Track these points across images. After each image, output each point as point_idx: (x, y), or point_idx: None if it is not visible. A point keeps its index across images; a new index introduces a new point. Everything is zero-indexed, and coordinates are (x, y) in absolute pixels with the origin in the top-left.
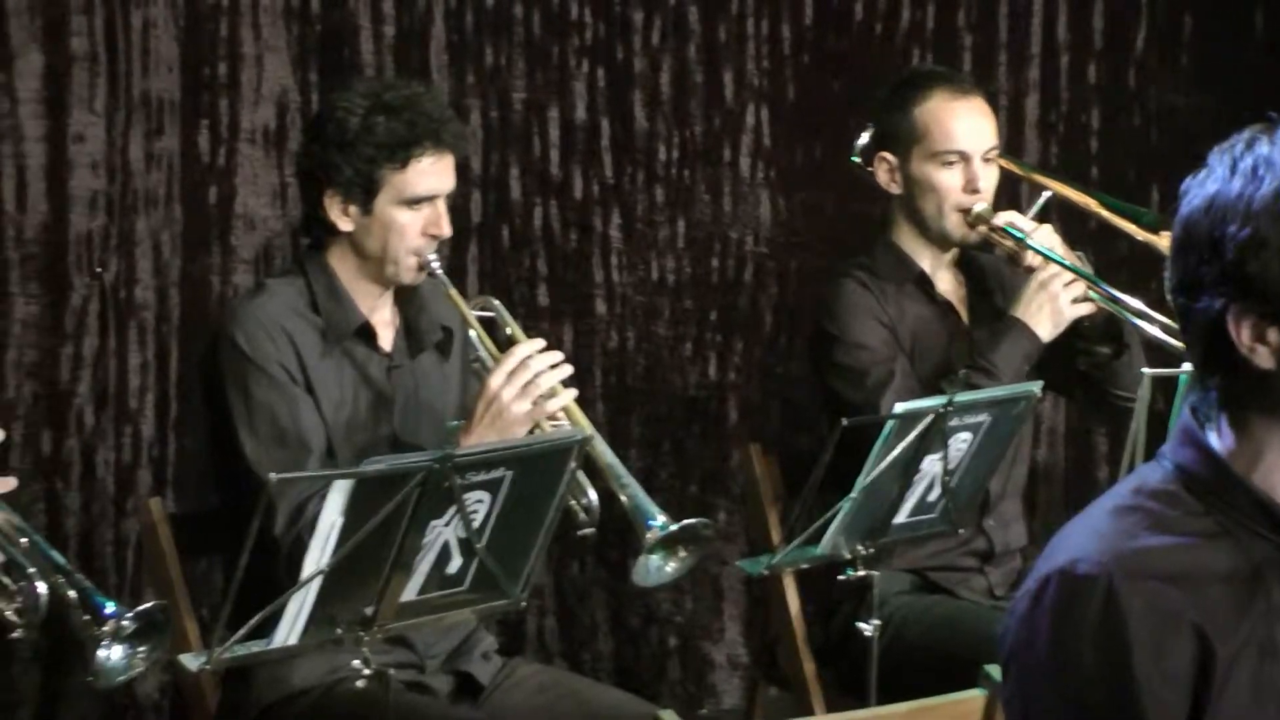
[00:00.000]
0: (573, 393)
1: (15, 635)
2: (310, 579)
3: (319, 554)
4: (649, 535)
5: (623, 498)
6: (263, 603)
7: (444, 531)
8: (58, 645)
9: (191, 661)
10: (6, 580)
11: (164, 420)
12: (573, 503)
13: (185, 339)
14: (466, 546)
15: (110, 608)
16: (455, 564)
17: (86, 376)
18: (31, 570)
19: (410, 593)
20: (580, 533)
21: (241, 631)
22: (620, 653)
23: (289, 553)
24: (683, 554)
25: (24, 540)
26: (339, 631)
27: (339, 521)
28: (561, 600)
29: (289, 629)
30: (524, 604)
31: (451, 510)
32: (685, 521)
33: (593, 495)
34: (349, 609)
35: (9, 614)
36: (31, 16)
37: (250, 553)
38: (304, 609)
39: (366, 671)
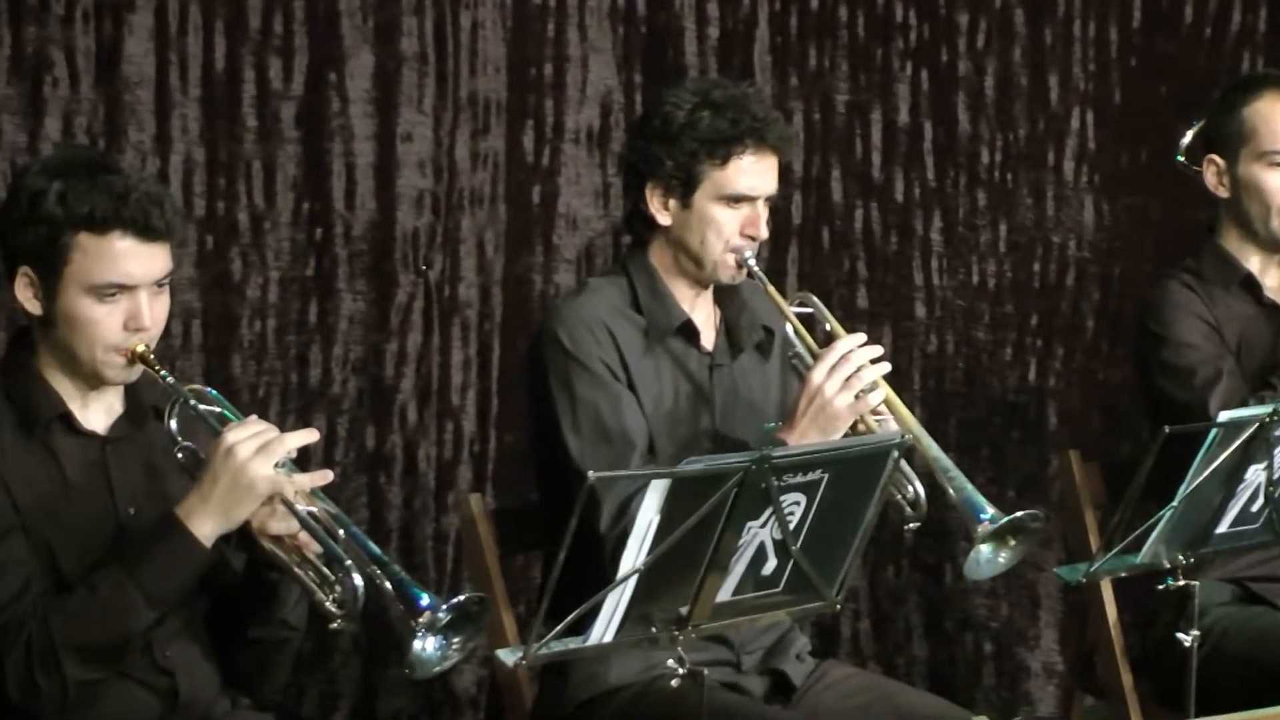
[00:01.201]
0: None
1: (334, 626)
2: (627, 577)
3: (635, 552)
4: (980, 528)
5: (950, 491)
6: (580, 599)
7: (760, 533)
8: (377, 637)
9: (508, 657)
10: (326, 571)
11: (485, 416)
12: (898, 496)
13: (507, 337)
14: (782, 548)
15: (425, 599)
16: (770, 565)
17: (410, 373)
18: (349, 562)
19: (725, 593)
20: (907, 526)
21: (558, 628)
22: (934, 657)
23: (614, 549)
24: (1013, 544)
25: (342, 532)
26: (654, 630)
27: (656, 520)
28: (876, 603)
29: (605, 626)
30: (839, 607)
31: (768, 511)
32: (1014, 514)
33: (919, 488)
34: (664, 608)
35: (328, 605)
36: (363, 17)
37: (568, 549)
38: (620, 607)
39: (681, 670)
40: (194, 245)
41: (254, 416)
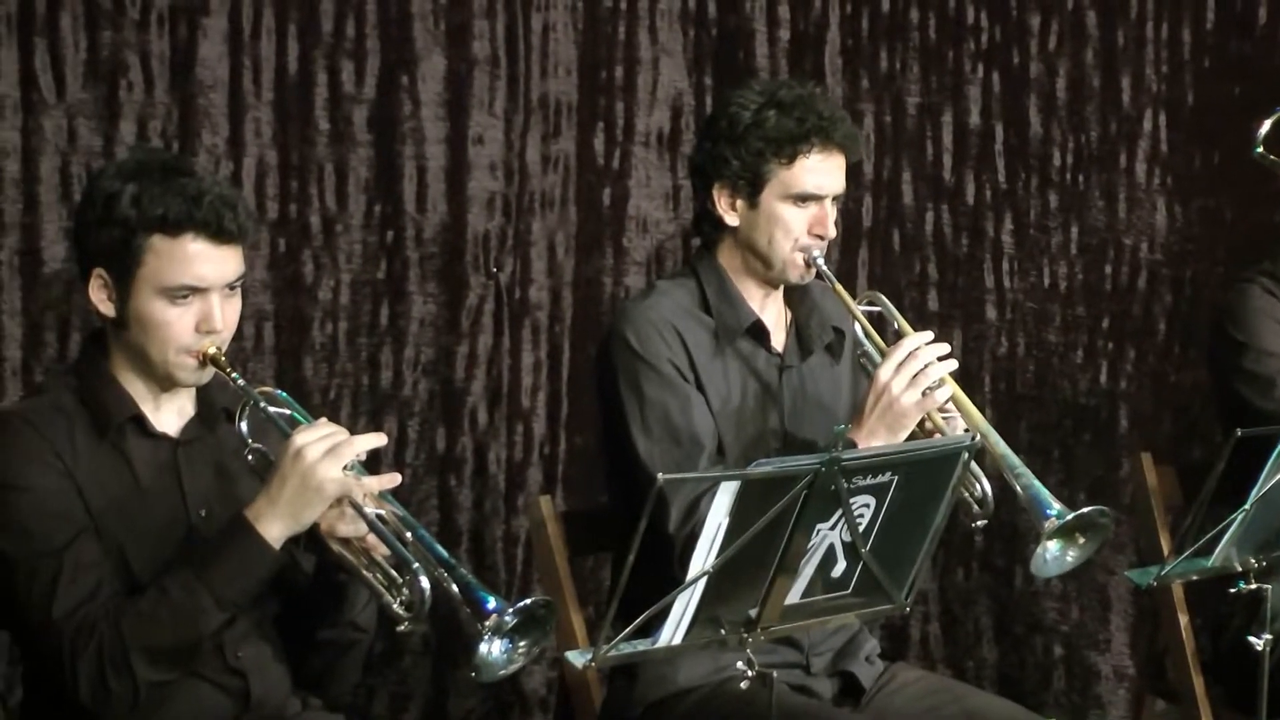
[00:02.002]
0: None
1: (401, 629)
2: (696, 579)
3: (705, 554)
4: (1046, 524)
5: (1018, 488)
6: (648, 602)
7: (829, 535)
8: (448, 639)
9: (577, 658)
10: (394, 574)
11: (555, 419)
12: (965, 494)
13: (577, 339)
14: (851, 550)
15: (492, 602)
16: (840, 568)
17: (481, 375)
18: (416, 565)
19: (794, 595)
20: (975, 524)
21: (627, 630)
22: (1004, 660)
23: (683, 550)
24: (1082, 541)
25: (410, 535)
26: (723, 632)
27: (725, 523)
28: (946, 606)
29: (674, 629)
30: (908, 609)
31: (837, 513)
32: (1082, 510)
33: (986, 486)
34: (733, 610)
35: (396, 607)
36: (435, 20)
37: (637, 551)
38: (689, 609)
39: (750, 672)
40: (266, 248)
41: (323, 419)
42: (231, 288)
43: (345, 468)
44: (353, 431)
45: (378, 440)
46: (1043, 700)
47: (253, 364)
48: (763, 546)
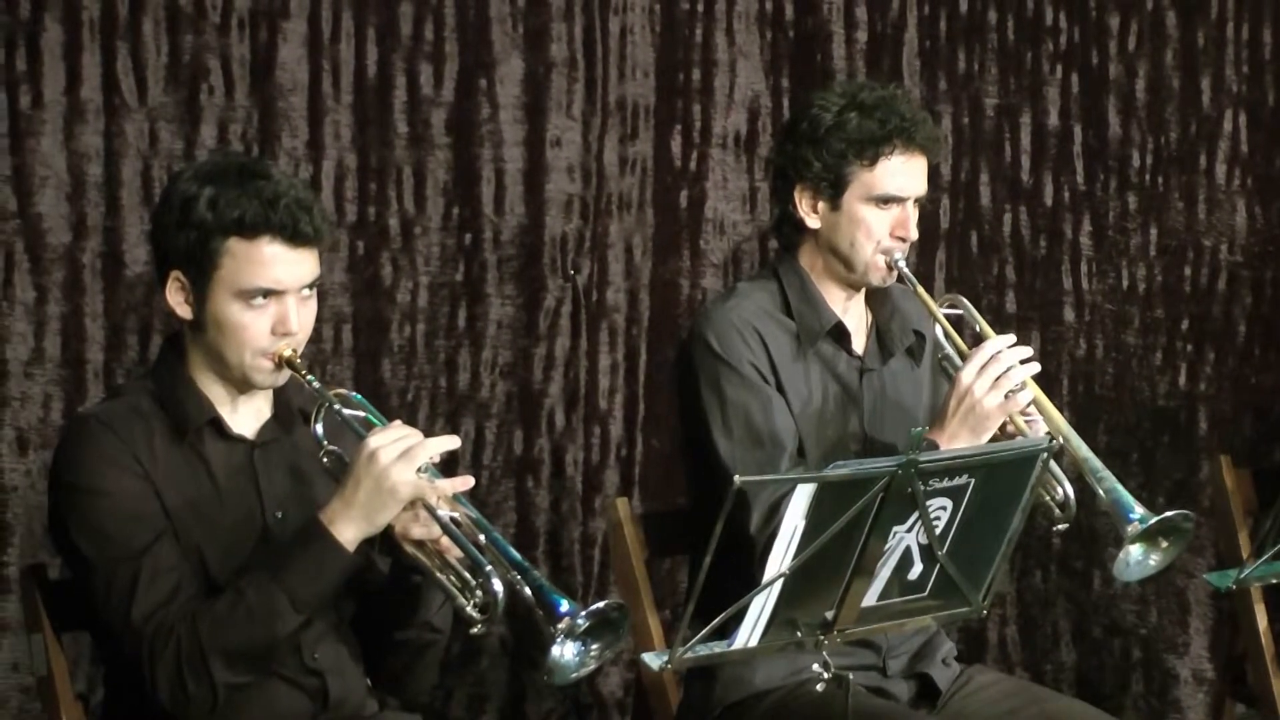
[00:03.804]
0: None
1: (474, 631)
2: (772, 581)
3: (781, 556)
4: (1129, 528)
5: (1100, 492)
6: (725, 604)
7: (906, 537)
8: (525, 640)
9: (654, 660)
10: (467, 576)
11: (632, 421)
12: (1046, 497)
13: (654, 341)
14: (928, 553)
15: (565, 605)
16: (916, 570)
17: (558, 377)
18: (489, 568)
19: (871, 598)
20: (1055, 527)
21: (704, 632)
22: (1082, 663)
23: (764, 551)
24: (1165, 545)
25: (483, 537)
26: (799, 635)
27: (801, 525)
28: (1024, 609)
29: (750, 631)
30: (985, 612)
31: (914, 516)
32: (1165, 514)
33: (1069, 489)
34: (810, 612)
35: (469, 610)
36: (513, 24)
37: (715, 553)
38: (765, 611)
39: (827, 675)
40: (345, 250)
41: (398, 421)
42: (308, 290)
43: (419, 470)
44: (430, 434)
45: (452, 443)
46: (1121, 704)
47: (332, 366)
48: (839, 549)
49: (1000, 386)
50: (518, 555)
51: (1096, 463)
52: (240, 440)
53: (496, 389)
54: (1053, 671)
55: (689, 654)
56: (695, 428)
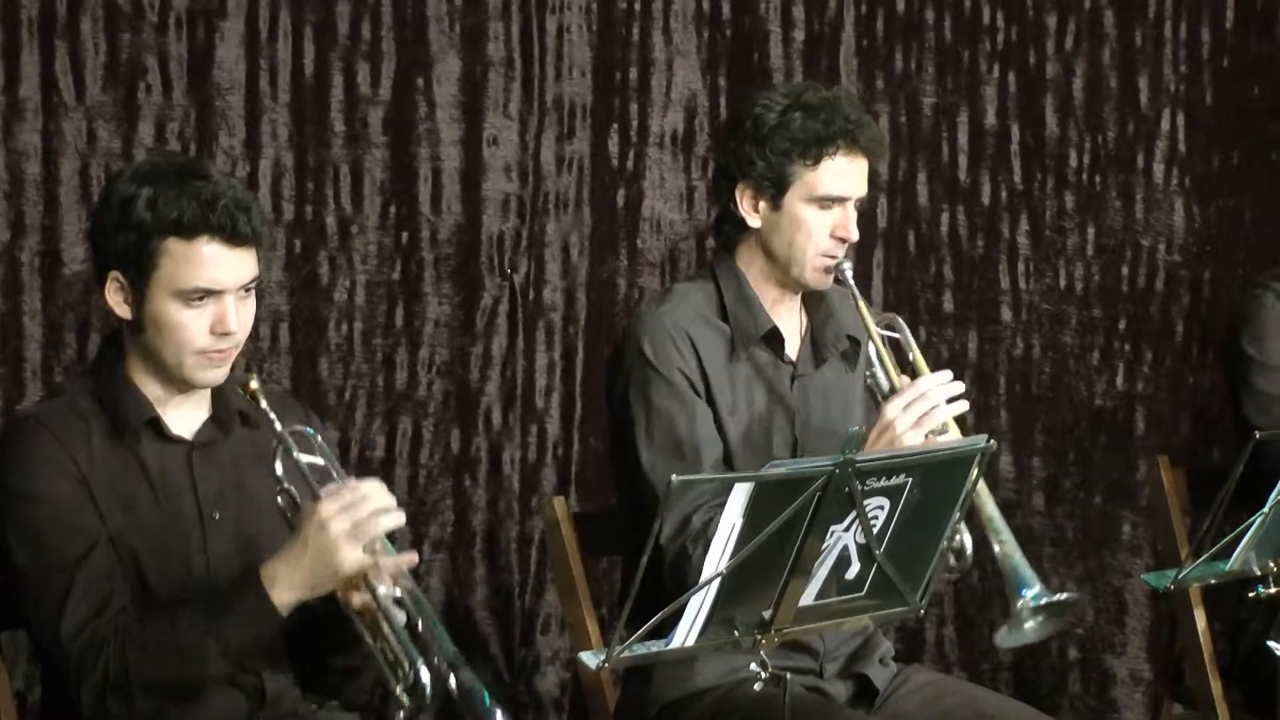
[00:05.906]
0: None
1: (400, 716)
2: (709, 581)
3: (718, 556)
4: (1019, 603)
5: (998, 554)
6: (662, 603)
7: (843, 537)
8: (459, 638)
9: (591, 660)
10: (399, 654)
11: (569, 420)
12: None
13: (591, 340)
14: (866, 552)
15: (487, 703)
16: (854, 569)
17: (495, 376)
18: (419, 660)
19: (808, 597)
20: (947, 577)
21: (641, 631)
22: (1020, 663)
23: (673, 561)
24: (1057, 617)
25: (420, 622)
26: (736, 634)
27: (739, 524)
28: (961, 608)
29: (687, 630)
30: (923, 611)
31: (852, 515)
32: (1058, 596)
33: (966, 539)
34: (747, 611)
35: (398, 690)
36: (450, 23)
37: (650, 554)
38: (703, 610)
39: (764, 674)
40: (282, 249)
41: (352, 480)
42: (246, 290)
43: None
44: (368, 432)
45: (398, 520)
46: (1058, 704)
47: (269, 364)
48: (776, 548)
49: (922, 425)
50: (452, 647)
51: (1001, 523)
52: (178, 441)
53: (434, 387)
54: (990, 671)
55: (626, 653)
56: (621, 432)
